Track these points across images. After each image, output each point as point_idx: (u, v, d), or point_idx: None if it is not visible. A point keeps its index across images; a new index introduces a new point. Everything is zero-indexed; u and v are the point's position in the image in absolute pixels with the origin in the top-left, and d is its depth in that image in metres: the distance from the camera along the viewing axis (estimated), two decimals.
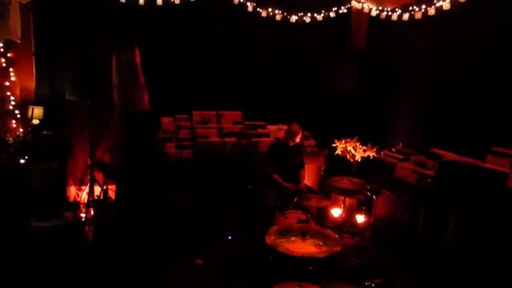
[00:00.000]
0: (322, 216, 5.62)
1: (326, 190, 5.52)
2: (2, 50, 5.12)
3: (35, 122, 5.23)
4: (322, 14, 5.82)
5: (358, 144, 5.83)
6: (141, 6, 5.32)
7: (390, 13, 5.36)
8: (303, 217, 4.57)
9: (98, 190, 5.27)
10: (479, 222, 3.70)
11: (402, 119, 6.09)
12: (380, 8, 5.67)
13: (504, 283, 3.49)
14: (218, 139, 5.90)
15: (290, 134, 5.29)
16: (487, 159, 4.31)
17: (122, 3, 5.32)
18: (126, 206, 5.27)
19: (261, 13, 5.69)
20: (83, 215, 5.28)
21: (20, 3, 4.96)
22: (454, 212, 3.92)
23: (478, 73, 4.78)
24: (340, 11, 5.91)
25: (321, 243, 3.44)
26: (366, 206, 5.52)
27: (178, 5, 5.48)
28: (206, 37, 6.14)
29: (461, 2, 4.73)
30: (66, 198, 5.39)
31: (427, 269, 4.17)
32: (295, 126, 5.31)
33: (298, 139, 5.33)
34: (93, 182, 5.29)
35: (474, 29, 4.78)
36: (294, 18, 5.82)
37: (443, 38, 5.34)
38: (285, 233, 3.60)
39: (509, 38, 4.44)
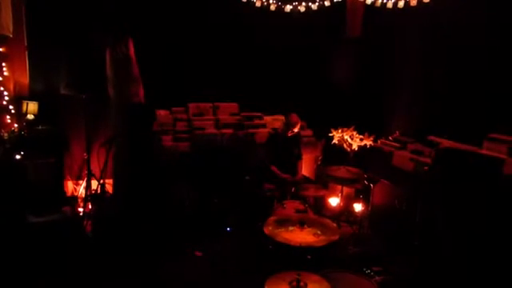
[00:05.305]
0: (319, 205, 5.65)
1: (323, 180, 5.54)
2: None
3: (30, 117, 5.19)
4: (317, 3, 5.78)
5: (354, 133, 5.82)
6: None
7: (385, 0, 5.32)
8: (301, 207, 4.58)
9: (95, 184, 5.27)
10: (476, 209, 3.72)
11: (399, 107, 6.09)
12: None
13: (500, 269, 3.51)
14: (214, 131, 5.89)
15: (289, 125, 5.27)
16: (484, 146, 4.32)
17: None
18: (124, 199, 5.27)
19: (255, 3, 5.64)
20: (81, 209, 5.28)
21: None
22: (449, 199, 3.94)
23: (476, 60, 4.77)
24: (335, 0, 5.87)
25: (319, 232, 3.45)
26: (363, 194, 5.53)
27: None
28: (201, 28, 6.10)
29: None
30: (64, 192, 5.38)
31: (424, 256, 4.20)
32: (294, 117, 5.29)
33: (296, 130, 5.32)
34: (90, 176, 5.28)
35: (472, 15, 4.76)
36: (288, 8, 5.78)
37: (439, 25, 5.32)
38: (283, 223, 3.61)
39: (506, 24, 4.43)
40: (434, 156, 4.58)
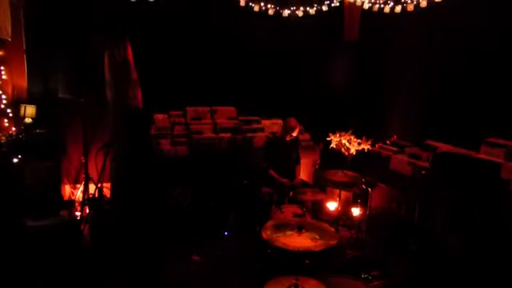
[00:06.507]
0: (317, 209, 5.65)
1: (321, 184, 5.54)
2: None
3: (28, 120, 5.19)
4: (315, 8, 5.80)
5: (352, 137, 5.83)
6: (133, 1, 5.27)
7: (382, 5, 5.35)
8: (299, 211, 4.57)
9: (92, 188, 5.25)
10: (473, 212, 3.73)
11: (397, 111, 6.11)
12: (372, 0, 5.66)
13: (498, 271, 3.52)
14: (212, 135, 5.89)
15: (288, 129, 5.26)
16: (481, 150, 4.33)
17: None
18: (122, 203, 5.26)
19: (253, 7, 5.66)
20: (78, 213, 5.26)
21: (10, 0, 4.90)
22: (447, 202, 3.95)
23: (472, 65, 4.80)
24: (332, 4, 5.89)
25: (317, 237, 3.44)
26: (361, 198, 5.54)
27: (170, 0, 5.44)
28: (199, 32, 6.11)
29: None
30: (61, 196, 5.36)
31: (422, 259, 4.20)
32: (293, 121, 5.28)
33: (295, 134, 5.32)
34: (87, 180, 5.26)
35: (468, 20, 4.79)
36: (286, 12, 5.80)
37: (436, 29, 5.35)
38: (281, 227, 3.60)
39: (503, 28, 4.46)
40: (432, 160, 4.60)
